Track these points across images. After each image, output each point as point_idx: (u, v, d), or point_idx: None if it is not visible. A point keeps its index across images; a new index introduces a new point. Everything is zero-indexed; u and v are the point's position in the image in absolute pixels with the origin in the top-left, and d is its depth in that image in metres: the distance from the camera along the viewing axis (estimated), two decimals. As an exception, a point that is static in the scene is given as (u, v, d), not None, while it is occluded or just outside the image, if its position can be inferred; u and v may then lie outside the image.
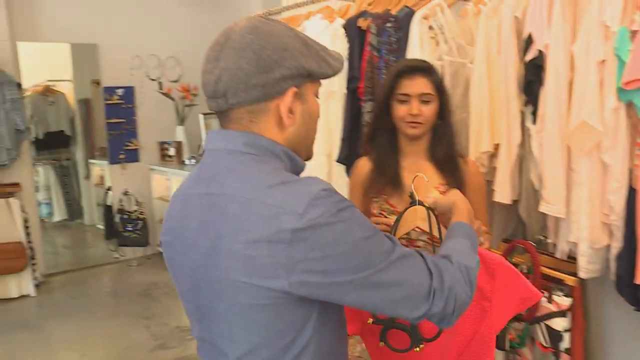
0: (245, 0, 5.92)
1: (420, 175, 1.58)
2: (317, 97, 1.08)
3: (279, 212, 0.90)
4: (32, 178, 5.16)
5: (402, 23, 2.38)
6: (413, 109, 1.77)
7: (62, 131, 6.43)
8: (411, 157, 1.87)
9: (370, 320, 1.48)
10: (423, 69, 1.79)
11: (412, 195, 1.52)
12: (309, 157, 1.10)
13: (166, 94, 5.66)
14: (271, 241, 0.89)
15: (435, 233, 1.49)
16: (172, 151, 5.74)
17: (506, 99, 2.12)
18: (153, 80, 5.72)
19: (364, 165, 1.92)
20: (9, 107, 4.58)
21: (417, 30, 2.31)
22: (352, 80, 2.61)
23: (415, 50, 2.29)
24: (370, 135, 1.91)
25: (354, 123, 2.65)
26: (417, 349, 1.44)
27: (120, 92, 5.55)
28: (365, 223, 0.95)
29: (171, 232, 1.07)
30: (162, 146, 5.80)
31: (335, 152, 2.75)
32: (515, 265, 2.23)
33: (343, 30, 2.66)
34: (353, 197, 1.94)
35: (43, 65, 5.89)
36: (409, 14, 2.37)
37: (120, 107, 5.56)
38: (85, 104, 6.35)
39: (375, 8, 2.67)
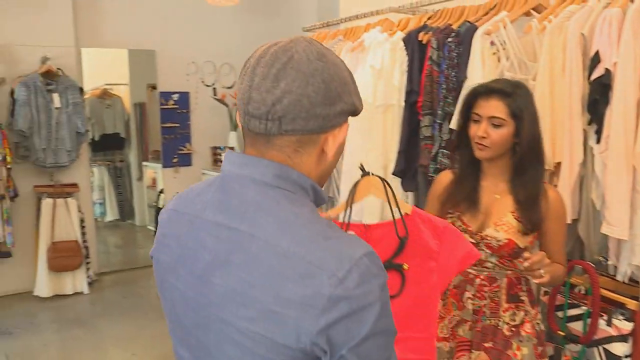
0: (299, 9, 6.02)
1: (372, 177, 1.59)
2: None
3: (316, 272, 0.83)
4: (89, 179, 5.34)
5: (463, 38, 2.38)
6: (480, 130, 1.76)
7: (117, 133, 6.62)
8: (490, 178, 1.86)
9: None
10: (499, 91, 1.76)
11: (362, 167, 1.59)
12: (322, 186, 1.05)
13: (220, 100, 5.78)
14: (304, 304, 0.83)
15: (392, 202, 1.58)
16: (224, 156, 5.82)
17: (569, 117, 2.09)
18: (208, 86, 5.85)
19: (445, 177, 1.94)
20: (71, 111, 4.76)
21: (478, 45, 2.30)
22: (410, 93, 2.62)
23: (477, 66, 2.29)
24: (454, 150, 1.94)
25: (411, 137, 2.65)
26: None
27: (175, 97, 5.68)
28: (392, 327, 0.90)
29: (171, 252, 0.99)
30: (215, 151, 5.92)
31: (392, 165, 2.76)
32: (573, 286, 2.19)
33: (403, 43, 2.67)
34: (430, 208, 1.95)
35: (101, 69, 6.08)
36: (470, 29, 2.36)
37: (175, 111, 5.70)
38: (140, 107, 6.52)
39: (435, 22, 2.67)
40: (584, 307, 2.13)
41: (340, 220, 1.63)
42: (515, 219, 1.80)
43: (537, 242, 1.88)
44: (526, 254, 1.60)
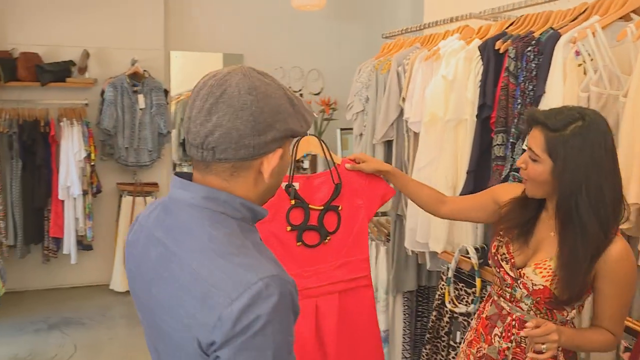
0: (392, 15, 5.80)
1: (310, 137, 1.98)
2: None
3: (214, 293, 0.93)
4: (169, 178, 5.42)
5: (544, 47, 2.08)
6: (520, 159, 1.57)
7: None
8: (550, 215, 1.63)
9: (289, 228, 1.97)
10: (541, 122, 1.52)
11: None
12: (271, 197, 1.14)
13: (305, 107, 5.68)
14: (201, 321, 0.94)
15: (328, 157, 1.98)
16: (306, 164, 5.74)
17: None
18: (295, 92, 5.77)
19: (518, 189, 1.72)
20: (155, 112, 4.85)
21: (560, 55, 1.99)
22: (483, 108, 2.35)
23: (557, 79, 1.98)
24: None
25: (482, 155, 2.37)
26: (326, 240, 2.00)
27: (261, 102, 5.65)
28: (284, 347, 0.96)
29: (133, 260, 1.11)
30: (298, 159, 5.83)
31: (461, 185, 2.50)
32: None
33: (478, 53, 2.41)
34: (479, 197, 1.89)
35: (196, 72, 6.18)
36: (552, 37, 2.06)
37: (261, 117, 5.66)
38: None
39: (517, 29, 2.38)
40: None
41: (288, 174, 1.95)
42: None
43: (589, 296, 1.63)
44: (529, 323, 1.45)
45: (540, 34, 2.15)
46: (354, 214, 2.01)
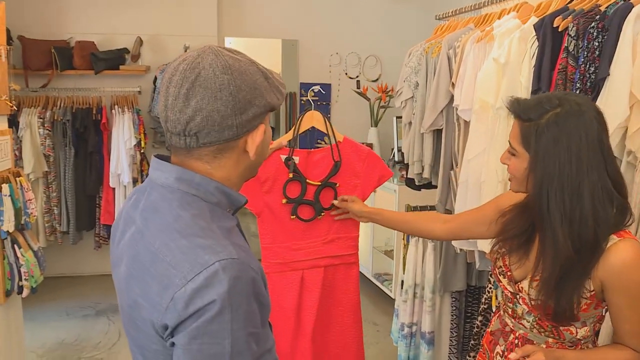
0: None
1: (314, 112, 2.04)
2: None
3: (172, 273, 0.91)
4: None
5: (610, 21, 1.81)
6: (502, 155, 1.41)
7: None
8: None
9: (284, 200, 2.01)
10: (515, 112, 1.36)
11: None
12: (253, 176, 1.12)
13: (362, 94, 5.50)
14: (155, 301, 0.92)
15: (331, 135, 2.02)
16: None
17: None
18: (352, 78, 5.61)
19: (521, 195, 1.50)
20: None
21: (630, 32, 1.72)
22: (537, 94, 2.09)
23: (625, 58, 1.72)
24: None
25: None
26: (320, 216, 2.04)
27: (316, 88, 5.52)
28: (244, 337, 0.91)
29: (114, 244, 1.10)
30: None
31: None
32: None
33: (534, 32, 2.15)
34: (486, 207, 1.70)
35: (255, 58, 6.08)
36: (622, 9, 1.79)
37: (316, 104, 5.52)
38: (290, 97, 6.45)
39: (581, 3, 2.10)
40: None
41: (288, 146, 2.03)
42: None
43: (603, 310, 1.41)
44: (512, 355, 1.30)
45: (607, 7, 1.87)
46: (349, 192, 2.06)
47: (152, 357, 0.98)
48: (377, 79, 5.66)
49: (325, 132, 2.03)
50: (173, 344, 0.92)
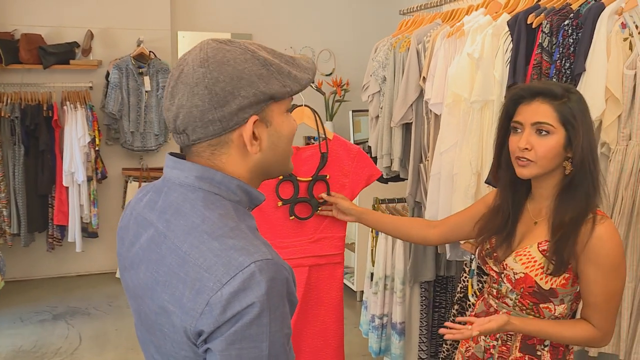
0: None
1: (305, 107, 1.95)
2: (289, 112, 1.03)
3: (205, 277, 0.87)
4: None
5: (584, 19, 1.89)
6: (522, 140, 1.44)
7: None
8: (536, 200, 1.55)
9: (280, 203, 1.95)
10: (547, 92, 1.43)
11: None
12: (285, 173, 1.08)
13: (317, 88, 5.50)
14: (188, 306, 0.88)
15: (321, 131, 1.96)
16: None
17: None
18: (304, 71, 5.61)
19: (490, 198, 1.67)
20: (161, 94, 4.68)
21: (604, 29, 1.81)
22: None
23: (600, 54, 1.80)
24: (495, 170, 1.64)
25: (510, 139, 2.20)
26: (318, 211, 2.01)
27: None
28: (281, 339, 0.89)
29: (122, 245, 1.07)
30: (308, 141, 5.66)
31: (486, 172, 2.32)
32: None
33: (507, 28, 2.22)
34: (474, 208, 1.78)
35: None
36: (595, 8, 1.87)
37: (270, 98, 5.50)
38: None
39: (550, 1, 2.19)
40: None
41: None
42: (540, 251, 1.48)
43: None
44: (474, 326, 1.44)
45: (580, 6, 1.96)
46: (338, 190, 2.03)
47: None
48: (330, 73, 5.68)
49: (316, 128, 1.97)
50: (206, 350, 0.88)
